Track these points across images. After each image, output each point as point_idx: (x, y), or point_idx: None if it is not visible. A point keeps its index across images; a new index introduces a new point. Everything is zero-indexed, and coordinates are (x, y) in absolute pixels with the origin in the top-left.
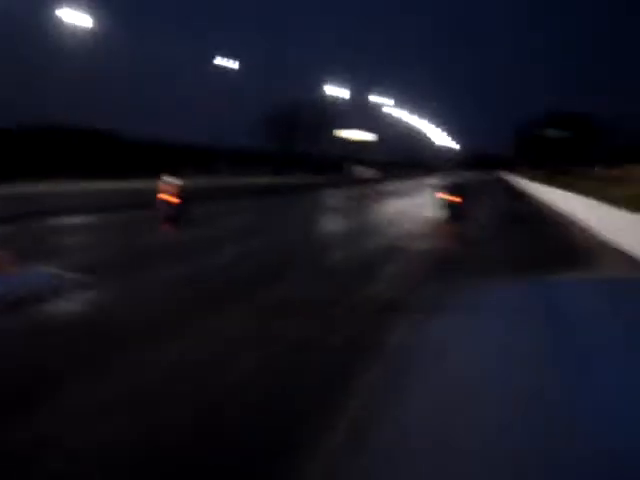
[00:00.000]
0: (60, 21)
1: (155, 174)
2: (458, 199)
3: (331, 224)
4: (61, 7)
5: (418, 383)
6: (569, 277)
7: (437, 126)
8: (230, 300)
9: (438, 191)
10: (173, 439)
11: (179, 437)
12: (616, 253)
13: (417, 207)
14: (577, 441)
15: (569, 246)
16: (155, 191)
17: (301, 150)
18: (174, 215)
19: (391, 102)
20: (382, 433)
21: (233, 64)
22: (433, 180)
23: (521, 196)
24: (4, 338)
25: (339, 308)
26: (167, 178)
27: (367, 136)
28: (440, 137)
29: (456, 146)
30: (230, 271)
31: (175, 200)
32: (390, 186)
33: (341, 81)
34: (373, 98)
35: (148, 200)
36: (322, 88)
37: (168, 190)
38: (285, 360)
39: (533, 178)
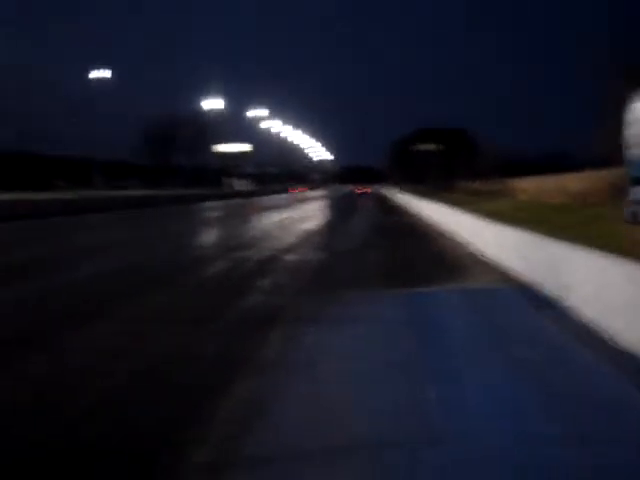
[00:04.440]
0: None
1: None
2: (368, 189)
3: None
4: None
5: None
6: (438, 287)
7: (314, 139)
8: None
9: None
10: None
11: None
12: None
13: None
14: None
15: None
16: None
17: (177, 163)
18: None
19: (265, 113)
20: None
21: (107, 74)
22: (314, 193)
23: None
24: None
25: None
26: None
27: (243, 147)
28: (317, 150)
29: (331, 158)
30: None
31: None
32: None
33: (219, 93)
34: (251, 110)
35: None
36: (200, 101)
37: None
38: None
39: (416, 193)
